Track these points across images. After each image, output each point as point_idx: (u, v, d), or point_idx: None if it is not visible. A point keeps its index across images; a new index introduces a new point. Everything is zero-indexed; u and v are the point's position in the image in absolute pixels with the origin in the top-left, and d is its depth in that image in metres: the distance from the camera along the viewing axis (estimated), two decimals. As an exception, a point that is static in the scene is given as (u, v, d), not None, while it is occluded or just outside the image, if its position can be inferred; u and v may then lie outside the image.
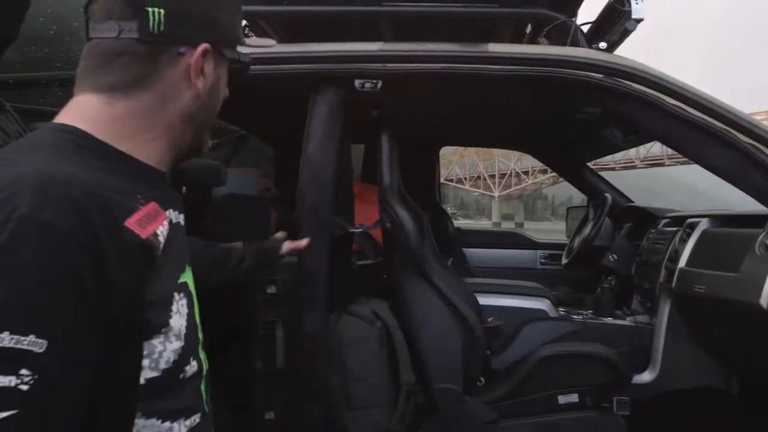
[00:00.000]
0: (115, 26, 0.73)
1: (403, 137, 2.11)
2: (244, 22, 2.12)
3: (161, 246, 0.69)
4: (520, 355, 2.10)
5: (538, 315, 2.32)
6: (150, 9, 0.73)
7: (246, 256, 1.51)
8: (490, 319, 2.26)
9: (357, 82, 1.76)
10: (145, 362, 0.68)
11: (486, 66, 1.73)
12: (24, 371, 0.54)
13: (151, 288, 0.67)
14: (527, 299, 2.37)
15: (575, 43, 1.82)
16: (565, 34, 1.85)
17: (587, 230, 2.81)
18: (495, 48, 1.75)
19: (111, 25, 0.73)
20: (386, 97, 1.81)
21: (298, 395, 1.77)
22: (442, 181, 4.15)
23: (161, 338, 0.69)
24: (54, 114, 0.75)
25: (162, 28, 0.74)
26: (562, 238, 3.55)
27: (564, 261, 3.04)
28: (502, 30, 2.18)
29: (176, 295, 0.72)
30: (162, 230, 0.71)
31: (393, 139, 2.00)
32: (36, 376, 0.54)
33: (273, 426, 1.81)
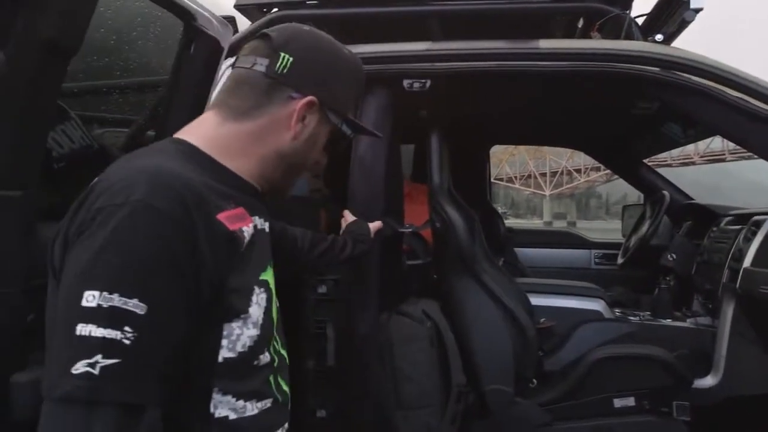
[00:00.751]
0: (252, 59, 0.88)
1: (452, 136, 2.10)
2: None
3: (245, 242, 0.79)
4: (574, 356, 2.05)
5: (592, 316, 2.26)
6: (282, 53, 0.87)
7: (347, 243, 1.56)
8: (542, 320, 2.23)
9: (405, 82, 1.76)
10: (224, 342, 0.76)
11: (537, 63, 1.70)
12: (127, 328, 0.64)
13: (235, 276, 0.77)
14: (581, 300, 2.32)
15: (629, 37, 1.77)
16: (619, 27, 1.80)
17: (644, 229, 2.72)
18: (546, 44, 1.72)
19: (251, 59, 0.89)
20: (435, 97, 1.80)
21: (349, 394, 1.78)
22: (492, 180, 4.10)
23: (240, 323, 0.77)
24: (114, 120, 0.85)
25: (285, 70, 0.87)
26: (617, 237, 3.45)
27: (620, 261, 2.95)
28: (552, 25, 2.14)
29: (257, 289, 0.81)
30: (247, 230, 0.81)
31: (442, 138, 2.00)
32: (136, 334, 0.65)
33: (324, 424, 1.84)
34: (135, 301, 0.65)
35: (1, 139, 1.07)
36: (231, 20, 1.64)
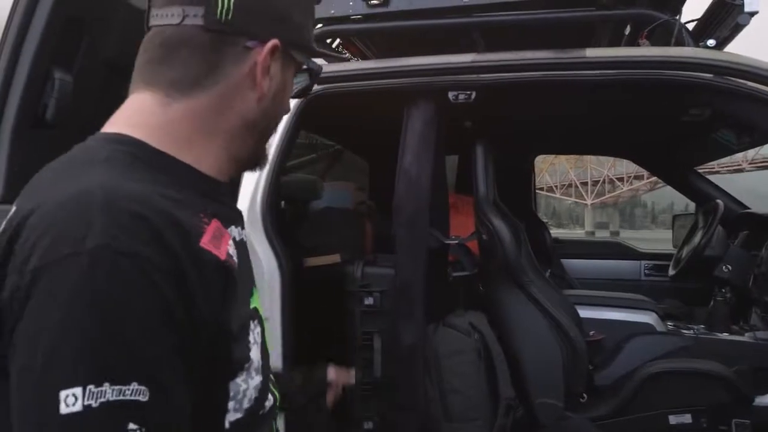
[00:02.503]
0: (178, 11, 0.64)
1: (497, 146, 2.09)
2: (337, 41, 2.20)
3: (236, 269, 0.61)
4: (626, 370, 2.00)
5: (643, 329, 2.20)
6: None
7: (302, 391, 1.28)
8: (591, 333, 2.18)
9: (451, 94, 1.76)
10: (231, 404, 0.60)
11: (584, 72, 1.68)
12: (132, 425, 0.47)
13: (229, 315, 0.58)
14: (632, 312, 2.26)
15: (680, 43, 1.73)
16: (669, 33, 1.76)
17: (697, 239, 2.63)
18: (593, 53, 1.70)
19: (174, 10, 0.64)
20: (480, 108, 1.80)
21: (396, 406, 1.78)
22: (533, 190, 4.05)
23: (244, 375, 0.61)
24: None
25: (230, 16, 0.64)
26: (666, 248, 3.35)
27: (671, 272, 2.86)
28: (599, 34, 2.11)
29: (251, 324, 0.64)
30: (232, 251, 0.62)
31: (488, 149, 1.99)
32: (144, 429, 0.47)
33: (371, 436, 1.84)
34: (134, 385, 0.47)
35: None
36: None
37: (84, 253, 0.48)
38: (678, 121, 2.24)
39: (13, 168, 1.06)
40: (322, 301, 1.88)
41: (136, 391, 0.47)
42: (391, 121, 1.85)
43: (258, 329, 0.66)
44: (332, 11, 1.96)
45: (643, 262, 3.23)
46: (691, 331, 2.26)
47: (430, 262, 1.78)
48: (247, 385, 0.61)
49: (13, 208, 0.57)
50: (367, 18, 1.95)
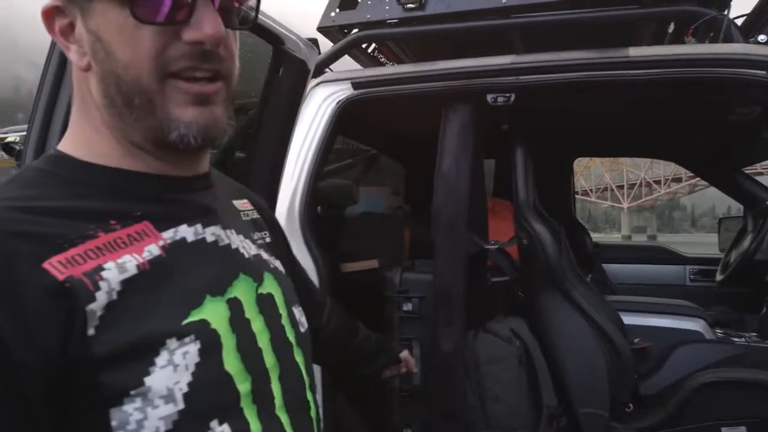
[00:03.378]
0: None
1: (535, 150, 2.05)
2: (372, 46, 2.19)
3: (121, 281, 0.52)
4: (673, 380, 1.93)
5: (691, 336, 2.13)
6: None
7: (383, 350, 1.27)
8: (636, 340, 2.11)
9: (489, 97, 1.74)
10: None
11: (628, 71, 1.63)
12: None
13: (100, 339, 0.50)
14: (678, 319, 2.19)
15: (728, 39, 1.66)
16: (717, 30, 1.70)
17: (747, 243, 2.54)
18: (637, 51, 1.65)
19: None
20: (519, 110, 1.77)
21: (436, 413, 1.76)
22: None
23: (137, 403, 0.51)
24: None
25: None
26: (711, 252, 3.24)
27: (719, 277, 2.76)
28: (641, 32, 2.06)
29: (169, 343, 0.53)
30: (134, 260, 0.54)
31: (527, 153, 1.95)
32: None
33: (411, 444, 1.82)
34: None
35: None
36: (314, 42, 1.68)
37: None
38: (725, 121, 2.17)
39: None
40: (360, 306, 1.86)
41: None
42: (427, 125, 1.83)
43: (192, 348, 0.54)
44: (368, 16, 1.95)
45: (688, 267, 3.13)
46: (743, 339, 2.17)
47: (470, 267, 1.76)
48: (143, 414, 0.51)
49: None
50: (402, 22, 1.95)
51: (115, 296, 0.52)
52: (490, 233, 2.09)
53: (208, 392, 0.55)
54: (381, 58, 2.25)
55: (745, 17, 1.84)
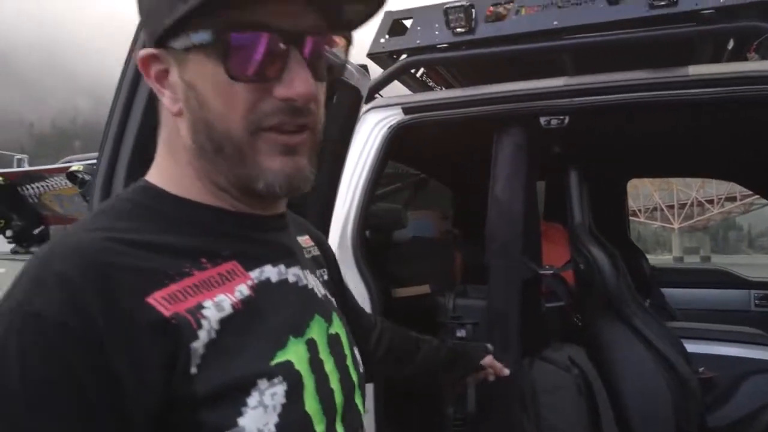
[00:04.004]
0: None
1: (590, 171, 2.00)
2: (421, 70, 2.20)
3: (214, 321, 0.53)
4: (745, 412, 1.83)
5: (760, 366, 2.01)
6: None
7: (457, 361, 1.20)
8: (701, 370, 2.01)
9: (542, 120, 1.72)
10: None
11: (688, 91, 1.58)
12: None
13: (197, 379, 0.50)
14: (746, 347, 2.07)
15: (794, 55, 1.60)
16: (781, 46, 1.64)
17: (817, 266, 2.40)
18: (697, 70, 1.60)
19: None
20: (573, 132, 1.74)
21: (491, 443, 1.71)
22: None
23: None
24: None
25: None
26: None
27: (787, 303, 2.62)
28: (698, 50, 2.00)
29: (260, 383, 0.53)
30: (228, 299, 0.55)
31: (581, 175, 1.91)
32: None
33: (465, 473, 1.77)
34: None
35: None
36: (365, 68, 1.70)
37: (4, 312, 0.48)
38: (790, 139, 2.07)
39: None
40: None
41: None
42: (477, 149, 1.82)
43: (280, 389, 0.55)
44: (418, 41, 1.97)
45: (753, 291, 2.98)
46: (817, 369, 2.05)
47: (524, 292, 1.72)
48: None
49: None
50: (452, 46, 1.95)
51: (214, 335, 0.52)
52: (543, 257, 2.05)
53: (300, 427, 0.56)
54: (429, 82, 2.25)
55: (811, 32, 1.77)
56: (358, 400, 0.69)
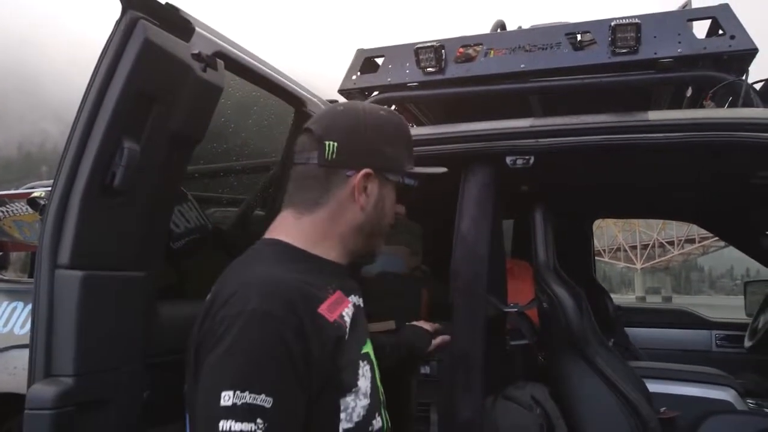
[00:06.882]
0: (306, 156, 1.02)
1: (555, 211, 2.03)
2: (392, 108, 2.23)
3: (347, 324, 0.93)
4: (704, 454, 1.83)
5: (721, 407, 2.03)
6: (326, 142, 1.00)
7: (401, 345, 1.51)
8: (662, 410, 2.02)
9: (508, 159, 1.74)
10: (342, 415, 0.90)
11: (648, 135, 1.63)
12: (259, 420, 0.78)
13: (341, 356, 0.90)
14: (707, 387, 2.09)
15: (748, 104, 1.67)
16: (735, 94, 1.71)
17: (774, 308, 2.47)
18: (657, 115, 1.66)
19: (304, 155, 1.03)
20: (538, 172, 1.77)
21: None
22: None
23: (353, 396, 0.92)
24: (228, 200, 0.97)
25: (334, 156, 1.00)
26: (734, 316, 3.15)
27: (747, 343, 2.67)
28: (658, 96, 2.08)
29: (361, 363, 0.95)
30: (347, 312, 0.95)
31: (547, 214, 1.94)
32: (267, 424, 0.78)
33: None
34: (263, 396, 0.79)
35: (128, 223, 1.14)
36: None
37: (245, 312, 0.83)
38: (746, 184, 2.15)
39: (81, 234, 1.06)
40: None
41: (263, 400, 0.79)
42: (446, 186, 1.83)
43: (368, 367, 0.97)
44: (389, 79, 2.00)
45: (714, 332, 3.03)
46: (776, 411, 2.08)
47: (488, 330, 1.71)
48: (355, 404, 0.92)
49: (214, 288, 0.94)
50: (423, 85, 1.98)
51: (348, 331, 0.93)
52: (509, 294, 2.05)
53: (375, 394, 0.98)
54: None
55: (763, 82, 1.85)
56: (385, 414, 1.05)
